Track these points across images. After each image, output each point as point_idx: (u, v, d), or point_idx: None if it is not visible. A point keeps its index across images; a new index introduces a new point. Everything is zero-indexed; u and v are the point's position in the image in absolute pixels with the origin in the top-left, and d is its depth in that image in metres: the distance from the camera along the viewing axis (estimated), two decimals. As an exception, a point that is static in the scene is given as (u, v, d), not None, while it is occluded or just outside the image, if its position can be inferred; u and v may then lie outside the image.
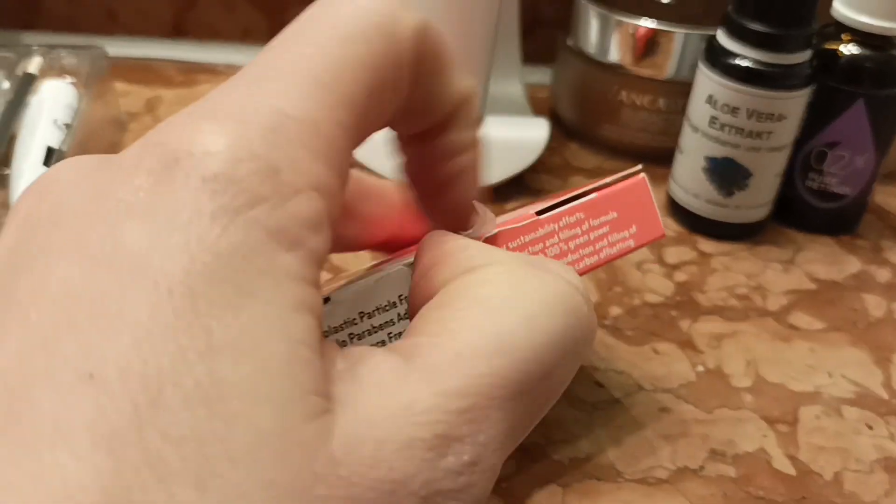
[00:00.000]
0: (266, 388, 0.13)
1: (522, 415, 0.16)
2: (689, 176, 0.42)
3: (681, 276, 0.40)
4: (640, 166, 0.27)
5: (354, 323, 0.21)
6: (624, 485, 0.30)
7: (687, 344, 0.36)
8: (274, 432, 0.13)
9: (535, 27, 0.54)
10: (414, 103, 0.18)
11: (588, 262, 0.26)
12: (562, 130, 0.51)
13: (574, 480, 0.30)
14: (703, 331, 0.37)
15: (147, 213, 0.13)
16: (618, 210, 0.26)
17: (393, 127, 0.19)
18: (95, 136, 0.43)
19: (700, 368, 0.35)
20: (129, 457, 0.12)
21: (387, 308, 0.22)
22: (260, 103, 0.15)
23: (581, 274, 0.25)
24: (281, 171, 0.14)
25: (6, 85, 0.42)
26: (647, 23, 0.45)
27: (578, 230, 0.26)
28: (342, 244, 0.25)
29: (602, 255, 0.26)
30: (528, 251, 0.25)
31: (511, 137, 0.44)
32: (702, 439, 0.32)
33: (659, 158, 0.46)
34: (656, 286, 0.39)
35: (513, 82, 0.49)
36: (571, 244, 0.26)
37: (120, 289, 0.13)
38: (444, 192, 0.21)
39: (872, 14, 0.39)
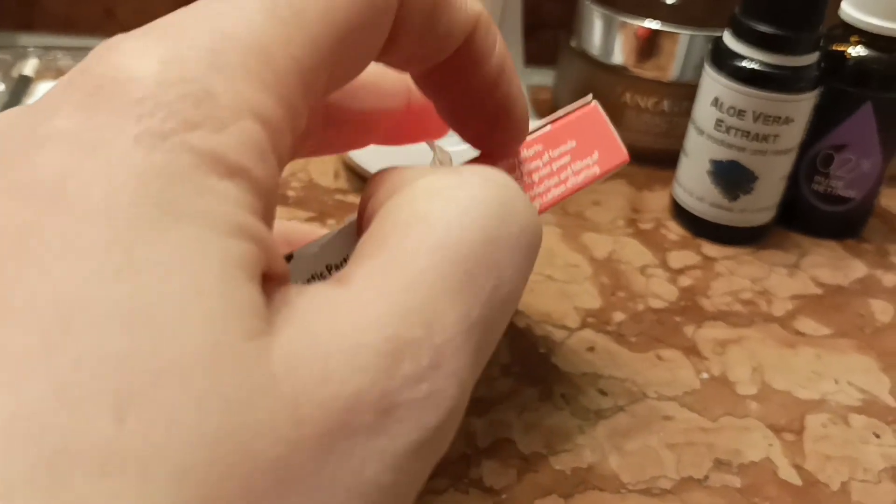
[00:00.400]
0: (196, 305, 0.12)
1: (478, 317, 0.15)
2: (693, 179, 0.42)
3: (685, 280, 0.40)
4: (590, 95, 0.27)
5: (323, 277, 0.21)
6: (627, 496, 0.29)
7: (692, 350, 0.36)
8: (205, 349, 0.11)
9: (537, 28, 0.54)
10: (416, 40, 0.17)
11: (556, 192, 0.26)
12: (564, 132, 0.50)
13: (576, 491, 0.29)
14: (708, 337, 0.36)
15: (65, 140, 0.12)
16: (576, 138, 0.26)
17: (401, 67, 0.19)
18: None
19: (705, 375, 0.35)
20: (33, 387, 0.11)
21: None
22: (201, 25, 0.14)
23: (552, 204, 0.25)
24: (217, 95, 0.13)
25: (2, 87, 0.41)
26: (651, 24, 0.44)
27: (539, 162, 0.26)
28: (332, 145, 0.25)
29: (569, 185, 0.26)
30: None
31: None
32: (707, 448, 0.31)
33: (663, 161, 0.45)
34: (660, 291, 0.39)
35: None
36: (535, 176, 0.26)
37: (35, 219, 0.12)
38: (488, 97, 0.20)
39: (881, 16, 0.39)
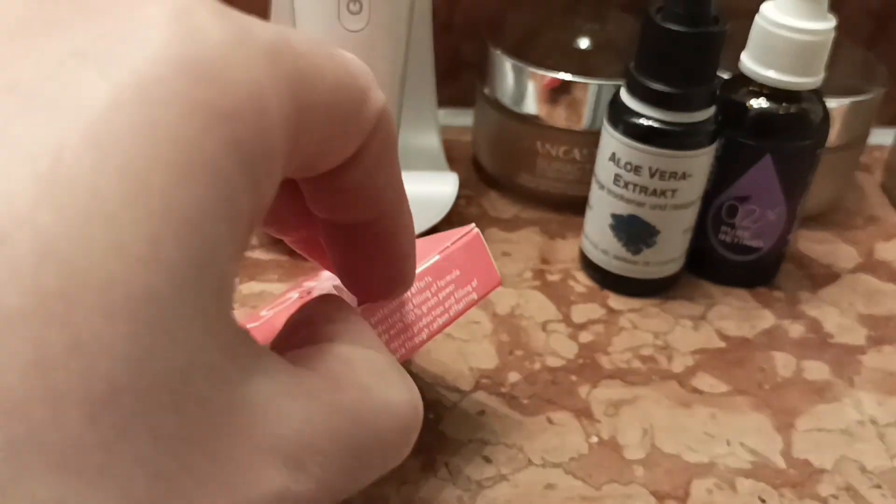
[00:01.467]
0: None
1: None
2: (597, 232, 0.41)
3: (586, 336, 0.39)
4: (472, 224, 0.30)
5: None
6: (497, 574, 0.29)
7: (584, 412, 0.36)
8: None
9: (459, 69, 0.54)
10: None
11: (440, 321, 0.28)
12: (482, 178, 0.50)
13: (446, 570, 0.29)
14: (602, 397, 0.36)
15: None
16: (459, 268, 0.29)
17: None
18: None
19: (594, 439, 0.34)
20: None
21: None
22: None
23: (437, 333, 0.28)
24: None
25: None
26: (561, 75, 0.44)
27: (428, 293, 0.28)
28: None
29: (451, 313, 0.29)
30: (389, 321, 0.27)
31: (420, 192, 0.43)
32: (586, 519, 0.31)
33: (577, 207, 0.45)
34: (559, 348, 0.39)
35: (429, 132, 0.48)
36: (424, 307, 0.28)
37: None
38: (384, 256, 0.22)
39: (780, 70, 0.38)
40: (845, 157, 0.47)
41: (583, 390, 0.37)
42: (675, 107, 0.37)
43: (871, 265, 0.46)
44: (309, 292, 0.30)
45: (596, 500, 0.32)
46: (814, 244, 0.47)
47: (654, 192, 0.39)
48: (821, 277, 0.45)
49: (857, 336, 0.41)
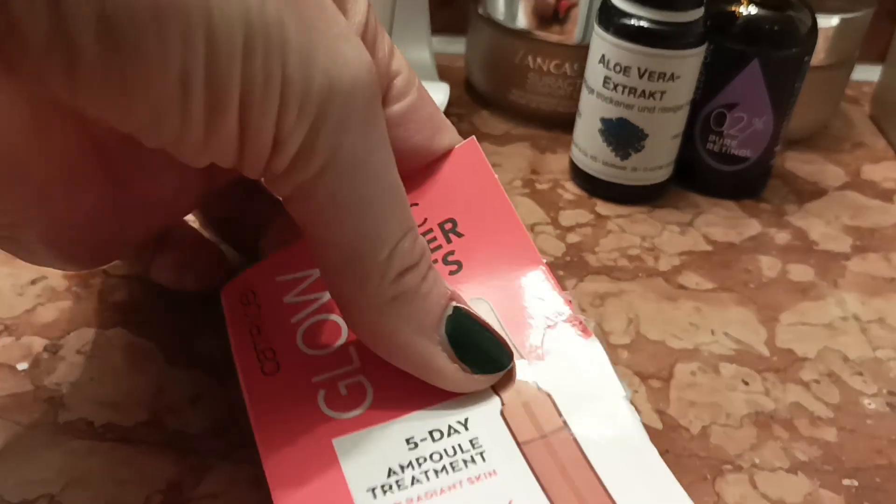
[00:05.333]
0: None
1: None
2: (586, 138, 0.42)
3: (573, 237, 0.40)
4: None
5: None
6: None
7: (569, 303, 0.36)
8: None
9: (451, -4, 0.54)
10: None
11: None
12: (474, 98, 0.50)
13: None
14: (588, 290, 0.37)
15: None
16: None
17: None
18: None
19: (580, 326, 0.35)
20: None
21: None
22: None
23: None
24: None
25: None
26: (552, -14, 0.44)
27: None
28: None
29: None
30: None
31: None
32: (570, 394, 0.32)
33: (567, 124, 0.46)
34: (546, 247, 0.39)
35: (421, 49, 0.48)
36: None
37: None
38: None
39: (770, -26, 0.39)
40: (833, 77, 0.47)
41: (569, 284, 0.37)
42: (664, 6, 0.38)
43: (857, 184, 0.47)
44: None
45: (580, 378, 0.32)
46: (801, 164, 0.48)
47: (643, 94, 0.39)
48: (807, 193, 0.45)
49: (842, 244, 0.42)
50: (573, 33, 0.45)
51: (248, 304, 0.27)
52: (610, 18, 0.39)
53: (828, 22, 0.45)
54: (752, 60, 0.40)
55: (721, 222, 0.42)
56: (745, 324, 0.36)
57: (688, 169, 0.43)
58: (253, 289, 0.27)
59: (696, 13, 0.39)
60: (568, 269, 0.38)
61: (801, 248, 0.41)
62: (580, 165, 0.43)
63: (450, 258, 0.26)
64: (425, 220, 0.27)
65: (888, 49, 0.53)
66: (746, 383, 0.33)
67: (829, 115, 0.50)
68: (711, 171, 0.43)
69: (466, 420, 0.23)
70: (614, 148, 0.41)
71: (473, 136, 0.28)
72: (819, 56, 0.45)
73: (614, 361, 0.33)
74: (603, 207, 0.42)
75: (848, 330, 0.36)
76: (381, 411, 0.23)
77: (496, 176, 0.27)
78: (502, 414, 0.23)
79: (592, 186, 0.43)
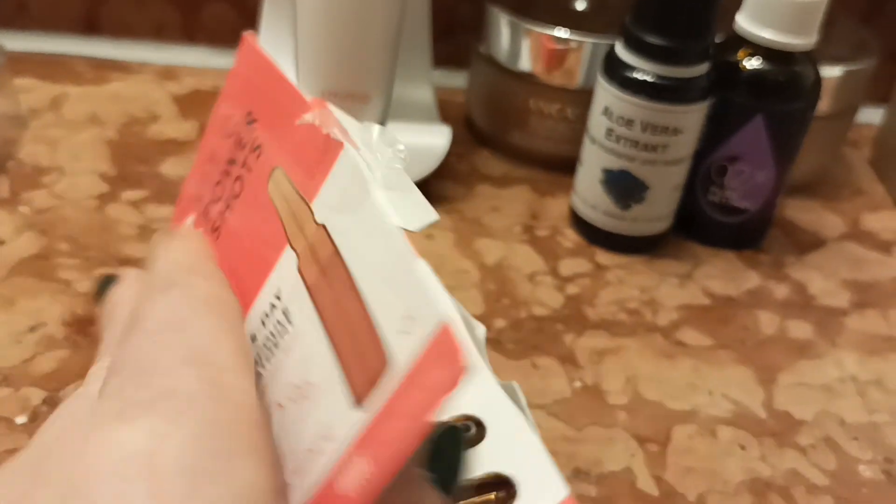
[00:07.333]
0: None
1: None
2: (588, 187, 0.42)
3: (573, 288, 0.40)
4: None
5: None
6: (477, 504, 0.29)
7: (568, 359, 0.36)
8: None
9: (453, 30, 0.54)
10: None
11: None
12: (474, 137, 0.50)
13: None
14: (587, 346, 0.37)
15: None
16: None
17: None
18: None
19: (577, 384, 0.35)
20: None
21: None
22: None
23: None
24: None
25: None
26: (557, 32, 0.44)
27: None
28: None
29: None
30: None
31: (412, 144, 0.43)
32: (567, 458, 0.31)
33: (567, 167, 0.45)
34: (546, 298, 0.39)
35: (423, 87, 0.48)
36: None
37: None
38: None
39: (776, 29, 0.39)
40: (834, 127, 0.47)
41: (568, 338, 0.37)
42: (669, 60, 0.38)
43: (856, 234, 0.47)
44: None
45: (578, 441, 0.32)
46: (800, 213, 0.48)
47: (646, 147, 0.39)
48: (806, 243, 0.45)
49: (841, 299, 0.42)
50: (576, 77, 0.45)
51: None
52: (615, 70, 0.39)
53: (831, 72, 0.45)
54: (757, 115, 0.40)
55: (720, 274, 0.42)
56: (742, 384, 0.36)
57: (688, 219, 0.43)
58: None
59: (702, 68, 0.38)
60: (567, 322, 0.38)
61: (799, 304, 0.41)
62: (580, 214, 0.42)
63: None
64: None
65: (891, 92, 0.53)
66: (743, 448, 0.33)
67: (829, 162, 0.50)
68: (712, 221, 0.43)
69: (280, 291, 0.21)
70: (615, 198, 0.41)
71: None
72: (822, 106, 0.45)
73: (611, 422, 0.33)
74: (602, 256, 0.42)
75: (845, 392, 0.36)
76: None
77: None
78: (299, 269, 0.21)
79: (592, 235, 0.42)
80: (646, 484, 0.31)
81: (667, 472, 0.31)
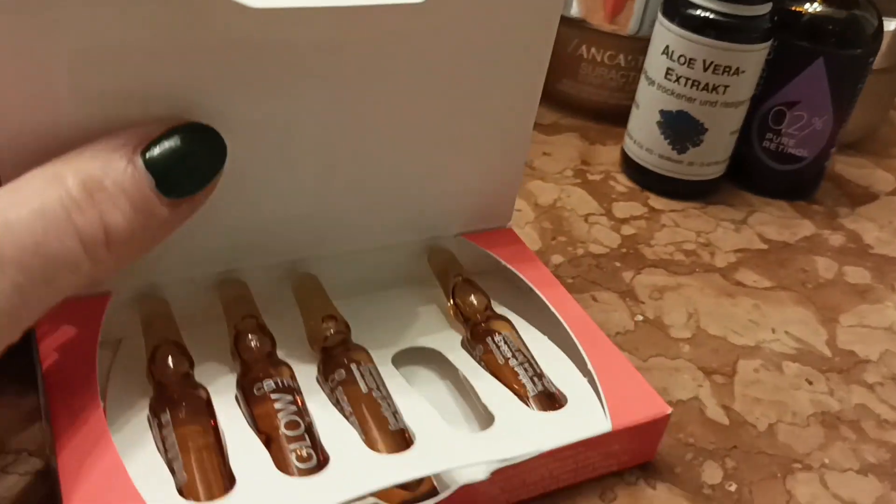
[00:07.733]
0: None
1: None
2: (643, 131, 0.41)
3: (628, 229, 0.39)
4: None
5: None
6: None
7: (628, 294, 0.35)
8: None
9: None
10: None
11: None
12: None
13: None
14: (646, 282, 0.36)
15: None
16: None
17: None
18: None
19: (639, 318, 0.34)
20: None
21: None
22: None
23: None
24: None
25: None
26: (610, -24, 0.44)
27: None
28: None
29: None
30: None
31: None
32: (634, 386, 0.31)
33: (615, 116, 0.45)
34: (602, 238, 0.38)
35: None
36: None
37: None
38: None
39: (837, -28, 0.38)
40: (888, 82, 0.47)
41: (626, 275, 0.36)
42: (733, -2, 0.37)
43: (908, 190, 0.46)
44: None
45: (644, 371, 0.32)
46: (852, 168, 0.47)
47: (706, 87, 0.38)
48: (858, 197, 0.45)
49: (897, 249, 0.41)
50: (628, 24, 0.45)
51: None
52: (676, 9, 0.38)
53: (890, 25, 0.44)
54: (817, 59, 0.39)
55: (774, 221, 0.42)
56: (805, 323, 0.35)
57: (741, 166, 0.43)
58: None
59: (765, 7, 0.38)
60: (624, 260, 0.37)
61: (856, 251, 0.40)
62: (634, 158, 0.42)
63: None
64: None
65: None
66: (810, 382, 0.32)
67: (880, 119, 0.49)
68: (766, 169, 0.43)
69: None
70: (672, 141, 0.40)
71: None
72: (879, 59, 0.44)
73: (675, 354, 0.32)
74: (656, 201, 0.41)
75: (909, 334, 0.36)
76: None
77: None
78: None
79: (646, 179, 0.42)
80: (715, 413, 0.30)
81: (735, 403, 0.31)
